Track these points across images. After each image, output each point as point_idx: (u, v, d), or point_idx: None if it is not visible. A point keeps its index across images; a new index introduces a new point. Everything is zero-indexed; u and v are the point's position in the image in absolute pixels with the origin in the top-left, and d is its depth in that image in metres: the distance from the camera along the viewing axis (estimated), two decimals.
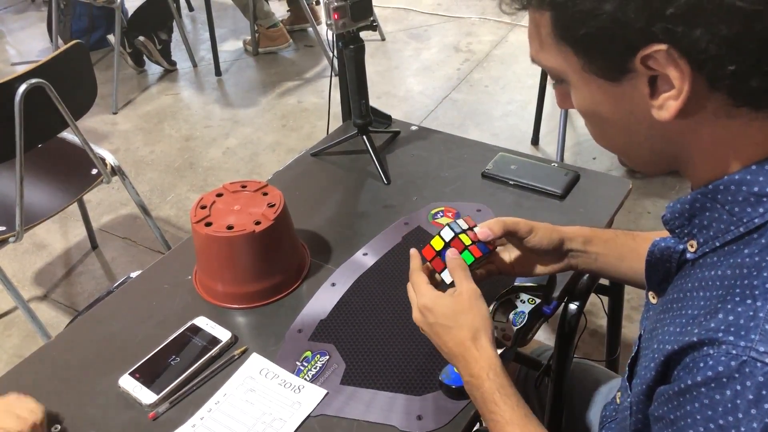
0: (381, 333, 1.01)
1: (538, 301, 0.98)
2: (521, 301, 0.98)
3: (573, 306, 1.07)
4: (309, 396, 0.93)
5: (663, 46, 0.54)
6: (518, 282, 1.01)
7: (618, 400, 0.89)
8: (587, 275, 1.09)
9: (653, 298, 0.72)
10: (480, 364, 0.78)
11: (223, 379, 0.96)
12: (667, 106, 0.57)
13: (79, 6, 3.52)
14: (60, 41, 3.57)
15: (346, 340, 1.01)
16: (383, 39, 3.74)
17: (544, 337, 1.78)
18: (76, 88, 1.79)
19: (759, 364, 0.51)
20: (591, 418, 1.09)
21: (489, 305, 0.97)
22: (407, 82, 3.36)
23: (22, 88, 1.58)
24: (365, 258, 1.16)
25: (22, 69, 1.61)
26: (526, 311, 0.96)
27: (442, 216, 1.24)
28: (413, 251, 0.90)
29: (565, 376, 1.12)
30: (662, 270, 0.68)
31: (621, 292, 1.39)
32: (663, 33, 0.53)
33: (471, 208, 1.25)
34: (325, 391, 0.93)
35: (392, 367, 0.96)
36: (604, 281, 1.25)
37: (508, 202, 1.26)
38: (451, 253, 0.87)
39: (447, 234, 0.89)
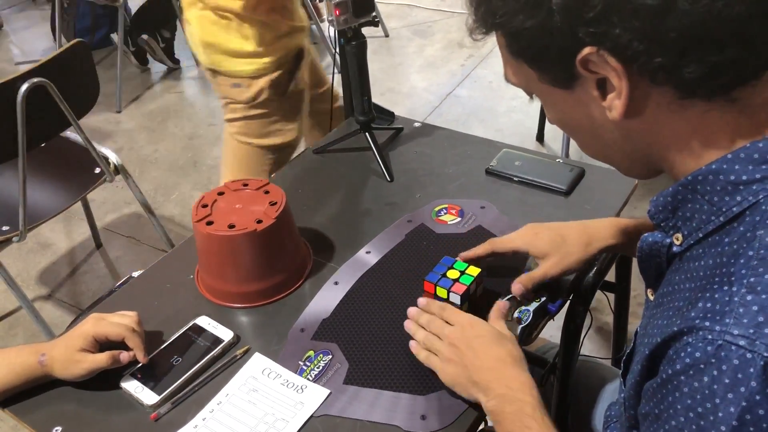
0: (384, 332, 1.00)
1: (543, 299, 0.97)
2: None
3: (578, 304, 1.06)
4: (312, 396, 0.92)
5: (592, 49, 0.56)
6: None
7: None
8: (593, 272, 1.08)
9: (651, 295, 0.72)
10: (521, 379, 0.80)
11: (226, 380, 0.95)
12: (615, 106, 0.59)
13: (83, 5, 3.53)
14: (63, 40, 3.58)
15: (349, 339, 1.00)
16: (387, 35, 3.72)
17: (549, 334, 1.77)
18: (78, 86, 1.79)
19: (734, 348, 0.50)
20: (597, 416, 1.08)
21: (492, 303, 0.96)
22: (411, 78, 3.35)
23: (24, 87, 1.58)
24: (368, 256, 1.15)
25: (24, 68, 1.61)
26: (531, 309, 0.95)
27: (445, 213, 1.22)
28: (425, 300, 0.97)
29: (571, 374, 1.11)
30: (654, 265, 0.68)
31: (627, 288, 1.38)
32: (588, 36, 0.55)
33: (475, 205, 1.24)
34: (328, 391, 0.92)
35: (396, 366, 0.95)
36: (609, 278, 1.24)
37: (513, 199, 1.25)
38: (503, 304, 0.93)
39: (455, 299, 0.96)
